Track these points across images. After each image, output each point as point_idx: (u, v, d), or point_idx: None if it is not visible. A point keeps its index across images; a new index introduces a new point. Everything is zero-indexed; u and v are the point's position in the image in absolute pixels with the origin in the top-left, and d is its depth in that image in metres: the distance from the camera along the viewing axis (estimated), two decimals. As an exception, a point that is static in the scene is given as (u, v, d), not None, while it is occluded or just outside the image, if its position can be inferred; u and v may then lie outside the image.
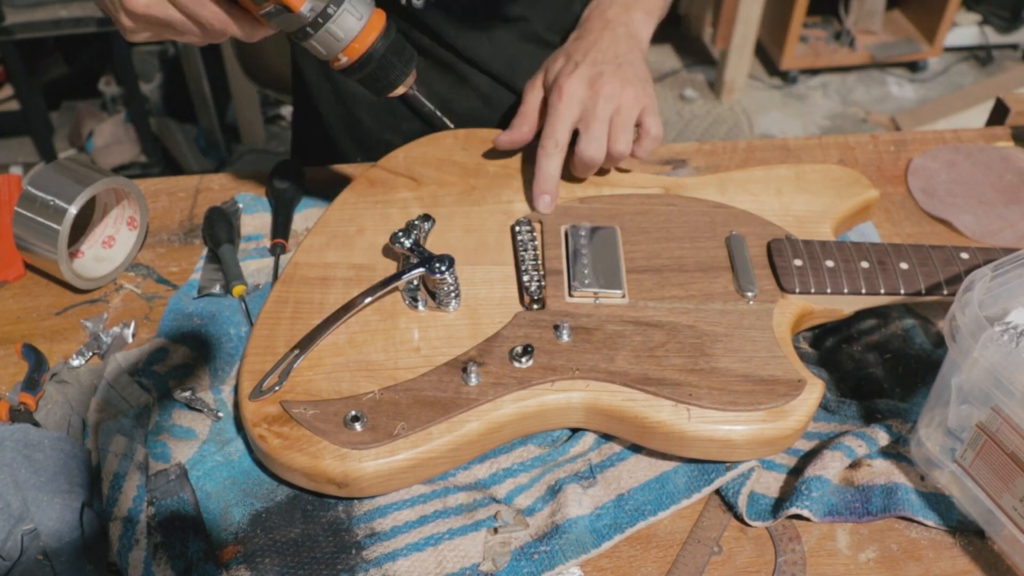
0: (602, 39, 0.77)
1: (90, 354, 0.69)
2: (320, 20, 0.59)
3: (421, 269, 0.65)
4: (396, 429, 0.58)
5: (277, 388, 0.60)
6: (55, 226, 0.70)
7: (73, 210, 0.70)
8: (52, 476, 0.58)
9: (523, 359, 0.61)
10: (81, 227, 0.77)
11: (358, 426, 0.58)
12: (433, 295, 0.66)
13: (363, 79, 0.63)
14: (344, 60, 0.61)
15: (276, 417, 0.59)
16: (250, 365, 0.62)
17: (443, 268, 0.65)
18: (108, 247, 0.77)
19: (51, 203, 0.70)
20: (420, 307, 0.66)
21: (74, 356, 0.68)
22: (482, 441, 0.60)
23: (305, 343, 0.63)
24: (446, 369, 0.62)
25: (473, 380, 0.60)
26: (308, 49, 0.61)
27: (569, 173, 0.76)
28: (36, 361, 0.68)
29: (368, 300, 0.65)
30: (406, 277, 0.66)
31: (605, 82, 0.72)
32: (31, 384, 0.66)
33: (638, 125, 0.75)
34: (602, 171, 0.78)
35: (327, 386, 0.61)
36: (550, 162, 0.73)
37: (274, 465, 0.59)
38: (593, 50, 0.76)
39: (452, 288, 0.66)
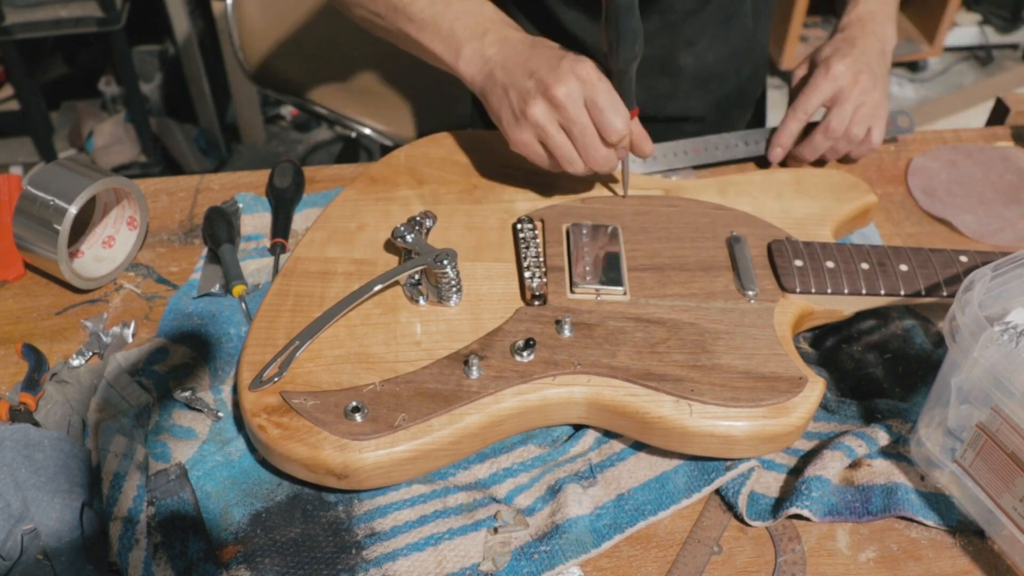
0: (867, 46, 0.84)
1: (90, 354, 0.69)
2: None
3: (423, 262, 0.65)
4: (397, 420, 0.58)
5: (277, 379, 0.60)
6: (55, 226, 0.69)
7: (73, 210, 0.70)
8: (52, 476, 0.58)
9: (525, 353, 0.61)
10: (81, 227, 0.77)
11: (358, 417, 0.58)
12: (435, 290, 0.66)
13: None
14: None
15: (276, 407, 0.59)
16: (250, 356, 0.62)
17: (445, 261, 0.65)
18: (108, 247, 0.77)
19: (51, 203, 0.70)
20: (421, 302, 0.66)
21: (74, 356, 0.68)
22: (483, 434, 0.60)
23: (306, 335, 0.63)
24: (447, 362, 0.62)
25: (474, 373, 0.60)
26: None
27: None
28: (36, 361, 0.68)
29: (370, 292, 0.65)
30: (408, 270, 0.66)
31: (865, 78, 0.81)
32: (31, 384, 0.66)
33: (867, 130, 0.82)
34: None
35: (327, 377, 0.61)
36: (795, 123, 0.84)
37: (273, 456, 0.59)
38: (859, 51, 0.83)
39: (453, 282, 0.66)
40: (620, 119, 0.68)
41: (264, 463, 0.61)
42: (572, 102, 0.67)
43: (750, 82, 1.02)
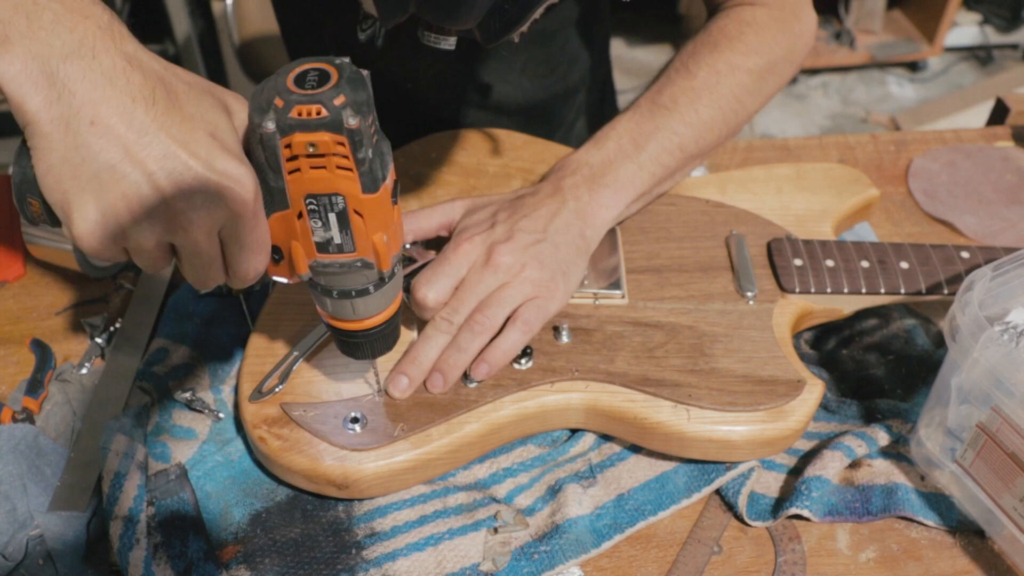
0: (541, 207, 0.65)
1: (94, 357, 0.69)
2: (354, 293, 0.51)
3: (421, 269, 0.65)
4: (396, 430, 0.58)
5: (277, 390, 0.60)
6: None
7: None
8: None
9: (522, 360, 0.61)
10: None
11: (358, 427, 0.58)
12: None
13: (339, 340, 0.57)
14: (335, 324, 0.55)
15: (276, 419, 0.59)
16: (250, 366, 0.62)
17: (443, 268, 0.65)
18: None
19: None
20: (420, 307, 0.66)
21: (80, 362, 0.68)
22: (481, 442, 0.60)
23: (305, 345, 0.63)
24: (446, 369, 0.61)
25: (472, 382, 0.60)
26: (315, 300, 0.54)
27: None
28: (41, 359, 0.67)
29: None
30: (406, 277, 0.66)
31: (505, 252, 0.62)
32: (34, 386, 0.66)
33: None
34: None
35: (327, 387, 0.61)
36: (428, 343, 0.60)
37: (274, 467, 0.59)
38: (523, 215, 0.64)
39: (452, 288, 0.65)
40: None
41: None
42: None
43: (588, 99, 0.96)
